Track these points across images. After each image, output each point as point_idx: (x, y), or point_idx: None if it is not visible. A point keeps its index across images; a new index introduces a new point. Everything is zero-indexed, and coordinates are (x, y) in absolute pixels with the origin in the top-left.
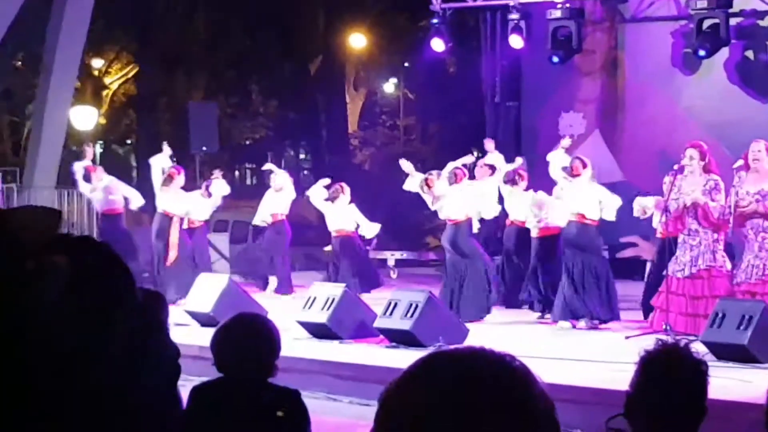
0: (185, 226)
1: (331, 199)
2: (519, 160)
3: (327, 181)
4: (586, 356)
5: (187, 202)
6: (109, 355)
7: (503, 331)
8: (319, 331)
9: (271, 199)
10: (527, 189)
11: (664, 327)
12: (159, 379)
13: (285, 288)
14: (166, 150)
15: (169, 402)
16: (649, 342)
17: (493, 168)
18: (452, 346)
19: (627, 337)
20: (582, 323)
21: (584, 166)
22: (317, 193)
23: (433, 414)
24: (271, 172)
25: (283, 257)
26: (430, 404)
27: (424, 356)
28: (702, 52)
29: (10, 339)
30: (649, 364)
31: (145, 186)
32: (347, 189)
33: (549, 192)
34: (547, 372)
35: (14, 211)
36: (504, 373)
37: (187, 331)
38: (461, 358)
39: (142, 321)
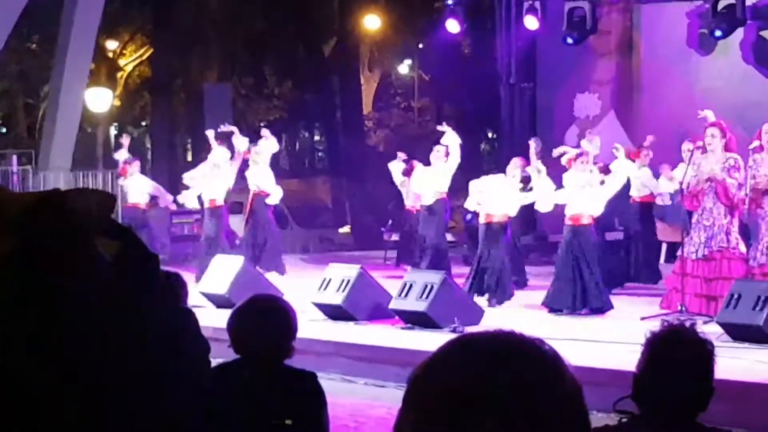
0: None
1: (407, 173)
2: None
3: (403, 155)
4: (602, 338)
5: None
6: (138, 343)
7: (518, 314)
8: (334, 313)
9: (209, 183)
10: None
11: (680, 308)
12: (187, 371)
13: None
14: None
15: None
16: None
17: (447, 151)
18: (480, 330)
19: (642, 318)
20: None
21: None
22: (396, 168)
23: (466, 396)
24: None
25: (222, 246)
26: (463, 386)
27: (453, 338)
28: (718, 33)
29: (48, 319)
30: (654, 345)
31: (160, 167)
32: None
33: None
34: (564, 353)
35: (70, 192)
36: (535, 357)
37: (203, 312)
38: (493, 340)
39: (169, 310)
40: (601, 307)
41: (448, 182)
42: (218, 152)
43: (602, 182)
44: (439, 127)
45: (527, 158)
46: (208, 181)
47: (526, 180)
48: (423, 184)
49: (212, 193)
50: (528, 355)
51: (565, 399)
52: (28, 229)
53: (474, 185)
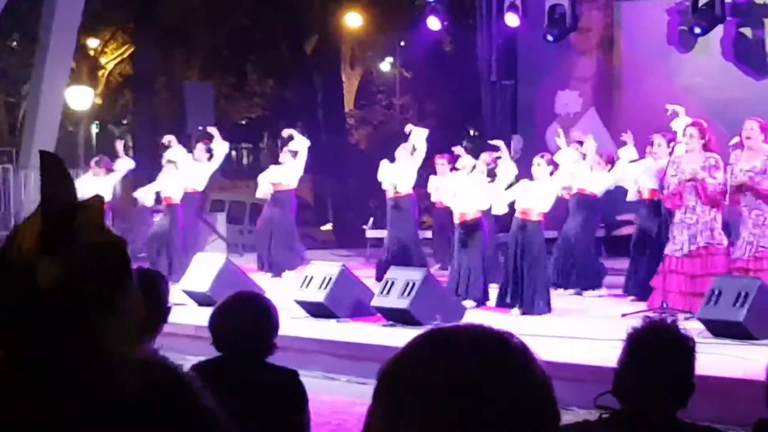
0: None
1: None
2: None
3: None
4: (583, 334)
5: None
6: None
7: (498, 311)
8: (316, 310)
9: (167, 179)
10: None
11: (662, 305)
12: None
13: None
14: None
15: None
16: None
17: (414, 147)
18: (451, 324)
19: (623, 315)
20: None
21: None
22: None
23: (435, 390)
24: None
25: (170, 245)
26: (432, 381)
27: (423, 333)
28: (698, 30)
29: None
30: (635, 341)
31: (141, 165)
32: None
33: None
34: (544, 350)
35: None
36: (504, 350)
37: (185, 310)
38: (462, 335)
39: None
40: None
41: (414, 178)
42: (174, 151)
43: (551, 173)
44: (406, 129)
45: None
46: (166, 179)
47: (493, 172)
48: (391, 177)
49: (168, 191)
50: (497, 349)
51: (535, 391)
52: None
53: (435, 181)
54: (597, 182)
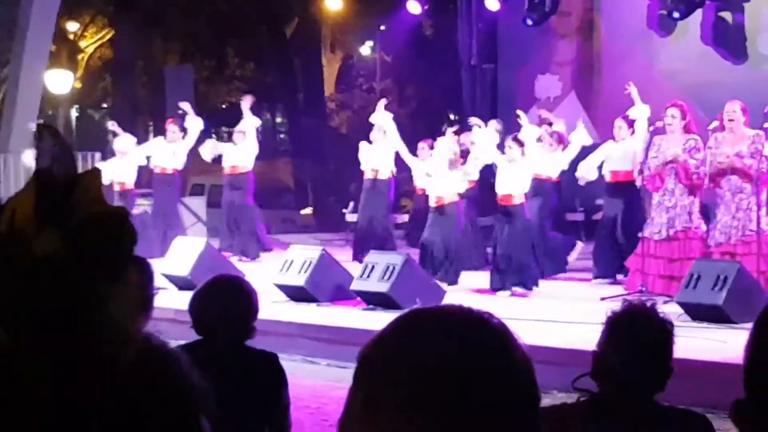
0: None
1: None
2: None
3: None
4: (562, 317)
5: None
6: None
7: (478, 294)
8: (296, 294)
9: (115, 166)
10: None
11: (640, 288)
12: None
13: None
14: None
15: None
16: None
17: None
18: (431, 305)
19: (602, 299)
20: None
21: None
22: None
23: (414, 372)
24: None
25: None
26: (411, 362)
27: (403, 314)
28: (677, 14)
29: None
30: (614, 324)
31: None
32: None
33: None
34: (524, 333)
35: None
36: (483, 331)
37: (165, 294)
38: (441, 315)
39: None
40: (524, 283)
41: (392, 160)
42: (122, 140)
43: (522, 153)
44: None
45: None
46: (118, 165)
47: (465, 153)
48: (371, 160)
49: (121, 177)
50: (477, 330)
51: (515, 372)
52: (78, 238)
53: (415, 166)
54: (551, 165)
